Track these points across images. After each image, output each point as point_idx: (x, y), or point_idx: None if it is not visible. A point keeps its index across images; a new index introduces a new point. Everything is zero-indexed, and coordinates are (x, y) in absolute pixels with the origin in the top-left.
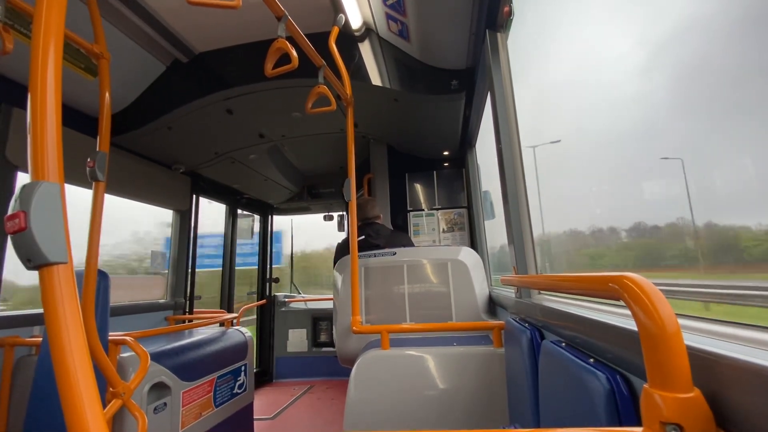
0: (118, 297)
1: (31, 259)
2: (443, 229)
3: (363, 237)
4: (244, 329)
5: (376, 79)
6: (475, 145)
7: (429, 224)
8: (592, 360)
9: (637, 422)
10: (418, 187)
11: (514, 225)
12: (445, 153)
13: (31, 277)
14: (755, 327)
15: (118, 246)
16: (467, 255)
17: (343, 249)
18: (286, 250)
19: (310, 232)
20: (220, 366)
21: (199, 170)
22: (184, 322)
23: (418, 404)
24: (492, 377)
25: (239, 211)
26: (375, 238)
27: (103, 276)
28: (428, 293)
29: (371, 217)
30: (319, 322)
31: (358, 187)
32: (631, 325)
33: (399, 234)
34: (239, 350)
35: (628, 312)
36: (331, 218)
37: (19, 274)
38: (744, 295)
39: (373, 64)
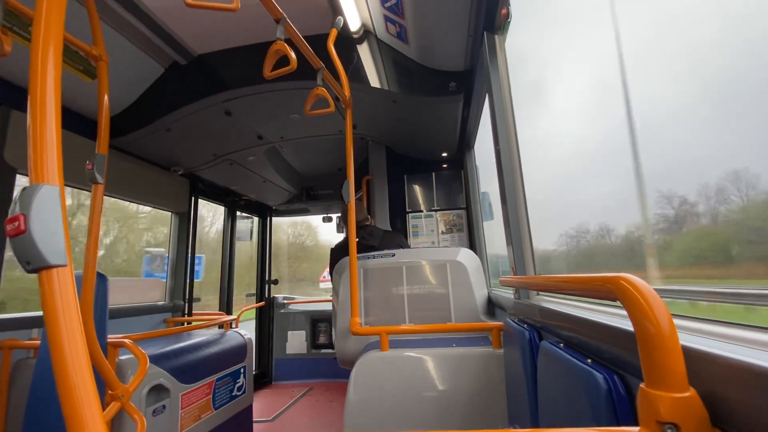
0: (116, 300)
1: (31, 261)
2: (442, 231)
3: (357, 239)
4: (243, 331)
5: (374, 81)
6: (473, 147)
7: (428, 225)
8: (589, 360)
9: (634, 422)
10: (417, 188)
11: (513, 226)
12: (444, 154)
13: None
14: (750, 327)
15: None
16: (466, 256)
17: (338, 252)
18: None
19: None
20: (219, 368)
21: (198, 172)
22: (182, 324)
23: (417, 405)
24: (491, 378)
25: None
26: (369, 239)
27: (101, 278)
28: (427, 294)
29: (360, 220)
30: (318, 323)
31: (357, 188)
32: (628, 325)
33: (393, 234)
34: (238, 352)
35: (624, 313)
36: (330, 219)
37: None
38: (742, 294)
39: (372, 66)
